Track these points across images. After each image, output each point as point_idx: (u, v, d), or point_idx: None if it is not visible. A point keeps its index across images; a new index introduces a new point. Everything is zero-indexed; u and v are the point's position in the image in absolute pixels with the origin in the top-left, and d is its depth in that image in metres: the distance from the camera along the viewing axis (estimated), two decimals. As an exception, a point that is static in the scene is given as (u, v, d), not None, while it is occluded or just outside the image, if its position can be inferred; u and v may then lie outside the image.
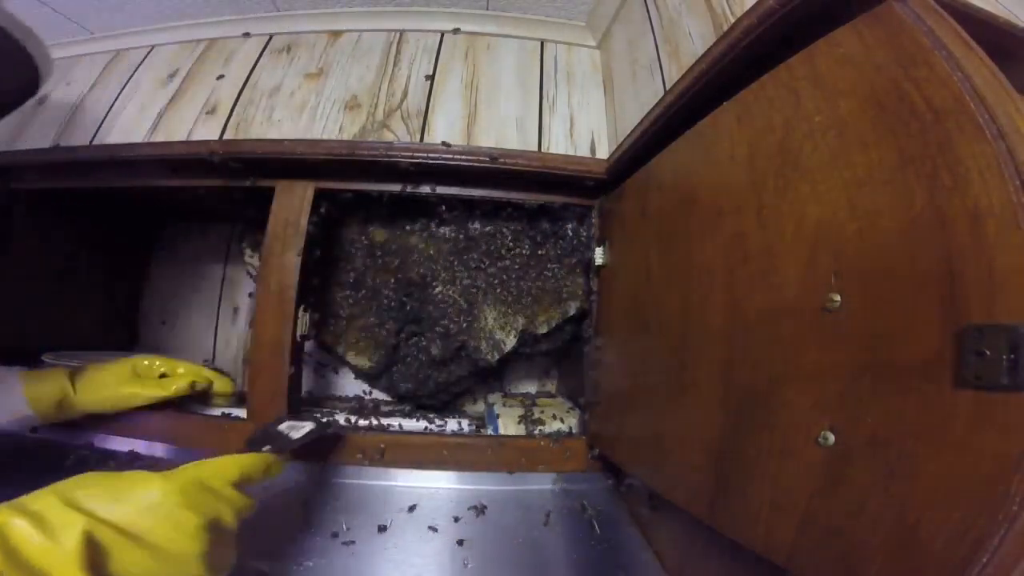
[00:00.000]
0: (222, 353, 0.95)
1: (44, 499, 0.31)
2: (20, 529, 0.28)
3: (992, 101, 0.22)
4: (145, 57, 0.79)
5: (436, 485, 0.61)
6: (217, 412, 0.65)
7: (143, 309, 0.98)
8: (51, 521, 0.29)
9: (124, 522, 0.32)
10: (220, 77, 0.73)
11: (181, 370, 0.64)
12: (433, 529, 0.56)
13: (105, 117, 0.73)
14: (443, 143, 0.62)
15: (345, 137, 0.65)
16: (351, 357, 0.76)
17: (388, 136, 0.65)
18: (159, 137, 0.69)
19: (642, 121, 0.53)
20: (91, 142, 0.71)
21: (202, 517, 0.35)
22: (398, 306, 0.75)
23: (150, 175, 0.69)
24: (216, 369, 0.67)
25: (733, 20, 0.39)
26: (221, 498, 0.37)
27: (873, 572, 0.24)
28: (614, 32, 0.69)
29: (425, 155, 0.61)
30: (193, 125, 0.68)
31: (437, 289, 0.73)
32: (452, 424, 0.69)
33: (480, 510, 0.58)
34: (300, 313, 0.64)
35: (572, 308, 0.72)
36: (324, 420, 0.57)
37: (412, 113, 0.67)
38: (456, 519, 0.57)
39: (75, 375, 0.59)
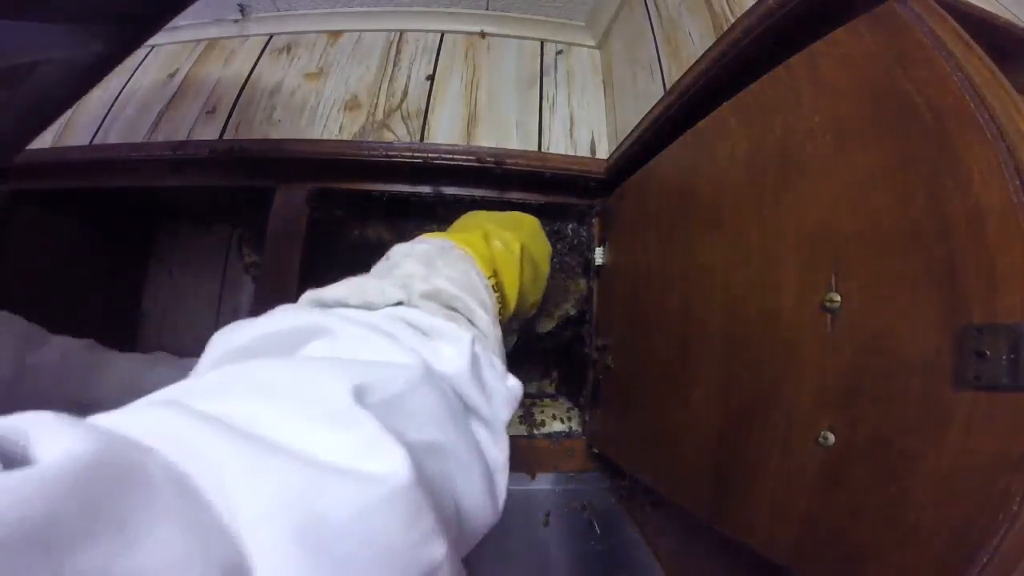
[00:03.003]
0: (222, 353, 0.95)
1: (499, 230, 0.43)
2: (497, 244, 0.42)
3: (992, 101, 0.22)
4: (145, 57, 0.79)
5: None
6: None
7: (143, 309, 0.98)
8: (506, 240, 0.42)
9: (529, 243, 0.46)
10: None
11: None
12: (433, 529, 0.55)
13: (105, 117, 0.73)
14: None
15: (345, 137, 0.65)
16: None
17: (388, 136, 0.65)
18: (159, 137, 0.69)
19: (642, 121, 0.53)
20: (91, 142, 0.71)
21: (549, 248, 0.52)
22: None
23: (150, 175, 0.69)
24: None
25: (733, 20, 0.39)
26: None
27: (873, 572, 0.24)
28: (614, 32, 0.69)
29: (425, 155, 0.61)
30: (193, 125, 0.68)
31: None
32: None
33: (480, 510, 0.58)
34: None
35: (572, 308, 0.72)
36: None
37: (412, 113, 0.67)
38: (456, 519, 0.57)
39: None
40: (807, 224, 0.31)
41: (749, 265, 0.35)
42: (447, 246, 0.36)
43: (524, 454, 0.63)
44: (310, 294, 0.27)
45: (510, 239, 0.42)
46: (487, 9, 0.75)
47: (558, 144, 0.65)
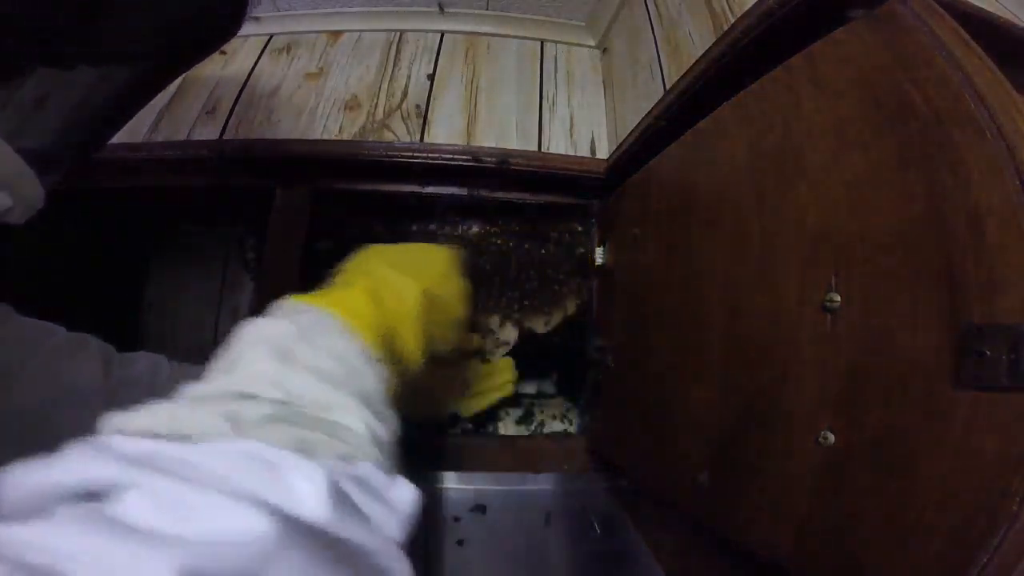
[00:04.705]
0: (222, 353, 0.95)
1: (390, 273, 0.37)
2: (388, 300, 0.35)
3: (992, 101, 0.22)
4: (145, 57, 0.79)
5: (436, 485, 0.61)
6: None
7: (143, 310, 0.98)
8: (400, 290, 0.37)
9: (435, 286, 0.39)
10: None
11: None
12: (433, 530, 0.56)
13: (105, 117, 0.73)
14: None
15: (345, 137, 0.65)
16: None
17: (388, 136, 0.65)
18: (159, 137, 0.68)
19: (642, 121, 0.53)
20: (91, 142, 0.71)
21: (464, 286, 0.44)
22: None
23: (150, 176, 0.69)
24: None
25: (733, 20, 0.39)
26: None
27: (873, 572, 0.24)
28: (614, 32, 0.69)
29: (425, 155, 0.61)
30: (193, 125, 0.68)
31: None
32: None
33: (480, 510, 0.58)
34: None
35: (572, 308, 0.72)
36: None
37: (412, 113, 0.67)
38: (456, 519, 0.57)
39: None
40: (807, 224, 0.31)
41: (749, 265, 0.35)
42: (315, 322, 0.29)
43: (524, 454, 0.63)
44: (117, 419, 0.21)
45: (406, 287, 0.37)
46: (487, 9, 0.75)
47: (558, 144, 0.65)
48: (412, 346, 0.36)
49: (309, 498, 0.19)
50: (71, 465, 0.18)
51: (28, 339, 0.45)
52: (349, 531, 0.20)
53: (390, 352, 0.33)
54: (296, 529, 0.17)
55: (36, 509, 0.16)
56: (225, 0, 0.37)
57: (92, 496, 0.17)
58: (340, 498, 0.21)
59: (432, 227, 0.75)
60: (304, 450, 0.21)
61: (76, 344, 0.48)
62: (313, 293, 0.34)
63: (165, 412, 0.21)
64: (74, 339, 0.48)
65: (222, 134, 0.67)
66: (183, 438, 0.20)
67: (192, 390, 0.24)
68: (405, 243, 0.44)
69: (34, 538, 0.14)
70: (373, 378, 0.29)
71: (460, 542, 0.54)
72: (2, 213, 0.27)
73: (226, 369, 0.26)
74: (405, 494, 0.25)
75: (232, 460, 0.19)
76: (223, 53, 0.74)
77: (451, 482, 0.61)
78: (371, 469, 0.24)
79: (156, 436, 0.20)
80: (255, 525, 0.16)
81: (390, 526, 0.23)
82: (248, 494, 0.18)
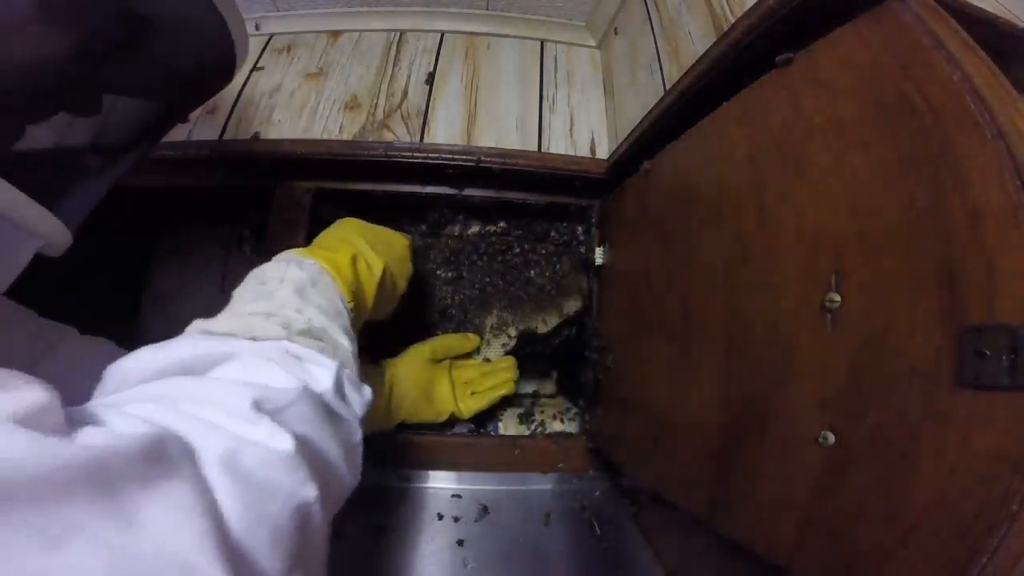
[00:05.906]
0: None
1: (366, 248, 0.47)
2: (363, 267, 0.46)
3: (992, 101, 0.22)
4: (145, 57, 0.79)
5: (436, 485, 0.61)
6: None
7: (143, 310, 0.98)
8: (371, 261, 0.47)
9: (393, 265, 0.50)
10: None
11: None
12: (433, 529, 0.56)
13: (105, 117, 0.73)
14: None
15: (345, 137, 0.65)
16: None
17: (388, 136, 0.65)
18: (159, 137, 0.68)
19: (642, 121, 0.53)
20: (91, 142, 0.71)
21: (411, 269, 0.55)
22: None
23: (150, 175, 0.69)
24: None
25: (733, 20, 0.39)
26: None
27: (873, 572, 0.24)
28: (614, 32, 0.69)
29: (425, 155, 0.61)
30: (193, 125, 0.68)
31: (436, 289, 0.73)
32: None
33: (480, 510, 0.58)
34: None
35: (572, 308, 0.72)
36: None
37: (412, 113, 0.67)
38: (456, 519, 0.57)
39: None
40: (807, 224, 0.31)
41: (749, 265, 0.36)
42: (317, 273, 0.40)
43: (525, 454, 0.63)
44: (200, 324, 0.33)
45: (375, 261, 0.47)
46: (487, 9, 0.75)
47: (558, 144, 0.65)
48: (368, 305, 0.46)
49: (323, 380, 0.32)
50: (184, 343, 0.29)
51: (43, 338, 0.46)
52: (339, 406, 0.33)
53: (355, 305, 0.43)
54: (311, 394, 0.30)
55: (159, 376, 0.27)
56: (218, 62, 0.42)
57: (206, 362, 0.29)
58: (338, 385, 0.33)
59: (432, 227, 0.75)
60: (322, 351, 0.34)
61: (93, 346, 0.49)
62: (310, 248, 0.44)
63: (245, 320, 0.33)
64: (88, 340, 0.49)
65: (222, 134, 0.67)
66: (252, 339, 0.32)
67: (250, 306, 0.36)
68: (377, 225, 0.53)
69: (166, 387, 0.26)
70: (348, 318, 0.40)
71: (460, 542, 0.54)
72: (40, 249, 0.34)
73: (267, 295, 0.37)
74: (368, 391, 0.37)
75: (280, 353, 0.31)
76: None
77: (451, 482, 0.61)
78: (354, 374, 0.36)
79: (233, 335, 0.32)
80: (290, 384, 0.29)
81: (360, 409, 0.35)
82: (291, 371, 0.30)
